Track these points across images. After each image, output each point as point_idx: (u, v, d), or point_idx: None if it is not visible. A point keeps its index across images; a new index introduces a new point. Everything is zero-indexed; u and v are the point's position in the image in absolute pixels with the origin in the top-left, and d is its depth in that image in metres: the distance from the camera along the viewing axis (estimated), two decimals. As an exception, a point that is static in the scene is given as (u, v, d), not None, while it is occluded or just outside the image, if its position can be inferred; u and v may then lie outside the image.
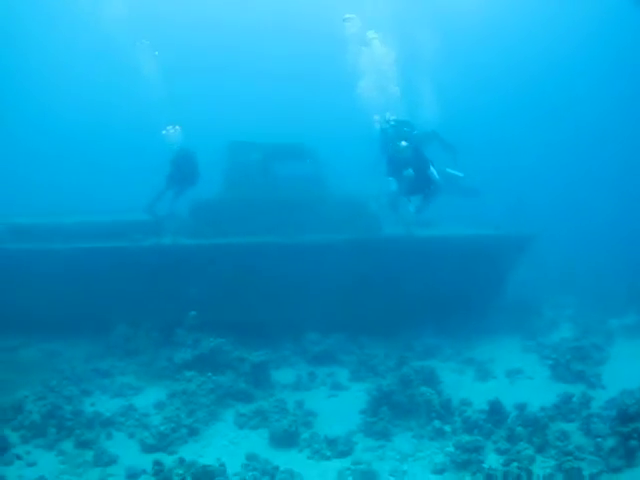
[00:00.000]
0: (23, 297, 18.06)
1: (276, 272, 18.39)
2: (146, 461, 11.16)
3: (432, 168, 18.94)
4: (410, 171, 18.67)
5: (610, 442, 11.39)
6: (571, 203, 40.21)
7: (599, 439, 11.68)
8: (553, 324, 21.81)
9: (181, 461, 10.03)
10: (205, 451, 11.92)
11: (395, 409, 13.33)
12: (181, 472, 9.47)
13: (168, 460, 10.56)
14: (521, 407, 13.03)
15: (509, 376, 16.76)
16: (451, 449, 11.66)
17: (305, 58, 45.75)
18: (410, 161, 18.75)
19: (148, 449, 12.08)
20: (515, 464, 10.45)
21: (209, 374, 15.19)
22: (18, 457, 11.64)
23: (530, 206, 32.31)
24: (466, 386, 15.85)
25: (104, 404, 14.18)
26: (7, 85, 48.07)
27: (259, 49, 48.85)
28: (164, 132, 20.79)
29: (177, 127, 20.84)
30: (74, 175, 44.18)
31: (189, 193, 21.05)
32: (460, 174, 20.14)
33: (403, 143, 18.60)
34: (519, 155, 45.40)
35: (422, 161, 18.82)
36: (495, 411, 12.77)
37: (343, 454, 11.92)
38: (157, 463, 10.04)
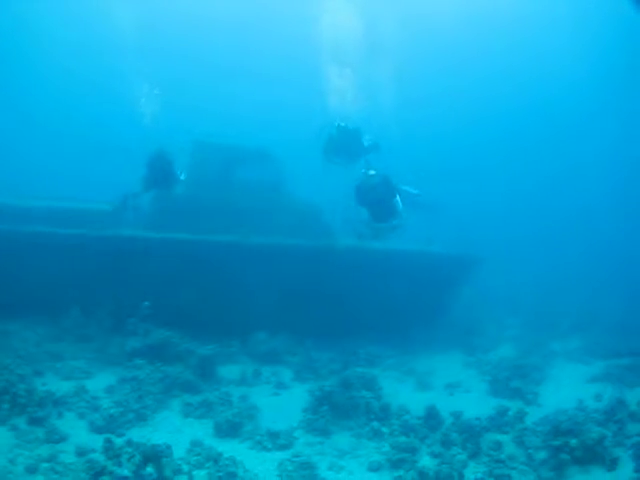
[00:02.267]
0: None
1: (228, 270, 18.82)
2: (95, 441, 11.49)
3: (397, 197, 19.31)
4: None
5: (542, 454, 11.98)
6: (526, 226, 40.99)
7: (531, 451, 12.21)
8: (495, 343, 22.48)
9: (130, 442, 10.40)
10: (152, 436, 12.17)
11: (335, 409, 13.79)
12: (130, 450, 9.87)
13: (117, 441, 10.92)
14: (457, 415, 13.53)
15: (448, 388, 17.30)
16: (387, 449, 12.19)
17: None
18: (378, 189, 19.12)
19: (97, 430, 12.44)
20: (447, 466, 10.96)
21: (158, 364, 15.60)
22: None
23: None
24: (405, 394, 16.24)
25: (55, 385, 14.43)
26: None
27: (234, 46, 48.99)
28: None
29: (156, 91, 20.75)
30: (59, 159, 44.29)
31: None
32: (415, 191, 20.52)
33: (371, 172, 19.02)
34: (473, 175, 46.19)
35: (389, 190, 19.20)
36: (431, 417, 13.31)
37: (284, 447, 12.37)
38: (107, 441, 10.41)
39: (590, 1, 41.13)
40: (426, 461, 11.49)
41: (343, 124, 20.80)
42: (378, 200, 19.11)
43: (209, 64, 50.67)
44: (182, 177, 20.77)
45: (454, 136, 49.27)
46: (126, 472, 9.39)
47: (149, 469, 9.54)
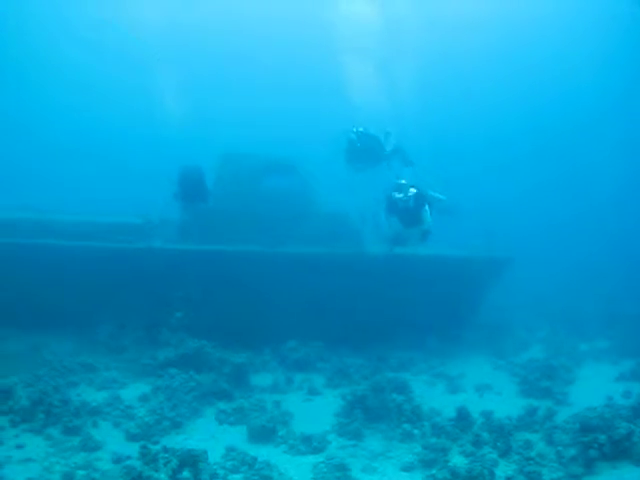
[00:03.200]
0: (9, 291, 18.49)
1: (260, 280, 18.99)
2: (131, 448, 11.63)
3: (427, 207, 19.37)
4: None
5: (571, 451, 12.02)
6: (551, 229, 40.93)
7: (560, 448, 12.27)
8: (525, 345, 22.54)
9: (166, 448, 10.54)
10: (187, 443, 12.33)
11: (368, 413, 13.94)
12: (167, 455, 10.00)
13: (153, 447, 11.05)
14: (487, 415, 13.70)
15: (478, 390, 17.36)
16: (419, 449, 12.31)
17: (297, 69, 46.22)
18: (409, 197, 19.13)
19: (132, 438, 12.60)
20: (479, 464, 11.03)
21: (192, 373, 15.74)
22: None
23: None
24: (436, 397, 16.39)
25: (89, 395, 14.68)
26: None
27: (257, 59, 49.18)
28: None
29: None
30: (84, 173, 44.60)
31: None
32: (442, 197, 20.56)
33: (403, 181, 19.11)
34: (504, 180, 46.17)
35: (419, 199, 19.24)
36: (462, 417, 13.39)
37: (317, 450, 12.51)
38: (144, 447, 10.53)
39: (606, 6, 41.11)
40: (458, 460, 11.56)
41: (362, 129, 20.82)
42: (408, 209, 19.15)
43: (229, 73, 50.83)
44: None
45: (470, 139, 49.28)
46: (163, 476, 9.53)
47: (185, 473, 9.67)
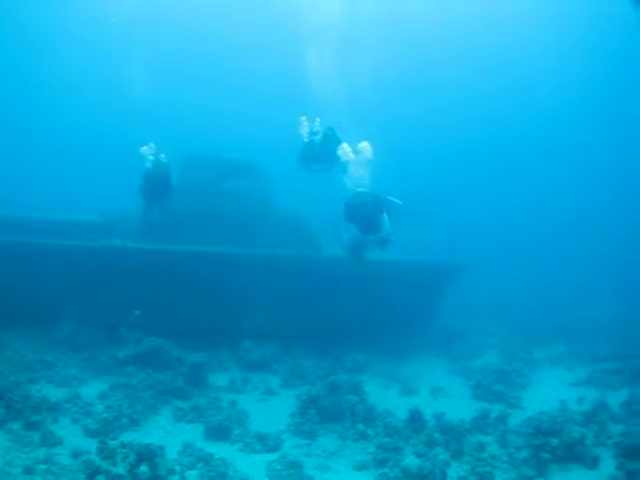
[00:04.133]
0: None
1: (218, 281, 19.14)
2: (90, 444, 11.85)
3: (385, 214, 19.08)
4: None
5: (523, 453, 12.42)
6: (507, 235, 41.39)
7: (513, 450, 12.66)
8: (479, 350, 22.88)
9: (124, 443, 10.75)
10: (144, 439, 12.27)
11: (322, 413, 14.27)
12: (125, 450, 10.24)
13: (111, 442, 11.25)
14: (439, 416, 13.97)
15: (432, 393, 17.72)
16: (372, 449, 12.62)
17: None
18: (366, 204, 18.78)
19: (91, 434, 12.83)
20: (430, 463, 11.34)
21: (149, 371, 16.00)
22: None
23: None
24: (391, 399, 16.70)
25: (49, 392, 14.69)
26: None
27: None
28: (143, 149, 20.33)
29: (152, 145, 20.29)
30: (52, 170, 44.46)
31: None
32: (399, 202, 20.59)
33: (360, 189, 18.72)
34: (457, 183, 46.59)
35: (377, 206, 19.19)
36: (415, 419, 13.74)
37: (272, 449, 12.84)
38: (102, 442, 10.78)
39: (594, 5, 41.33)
40: (410, 460, 11.82)
41: (321, 129, 20.42)
42: (366, 216, 18.86)
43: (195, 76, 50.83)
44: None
45: (438, 140, 49.64)
46: (121, 470, 9.79)
47: (143, 468, 9.93)
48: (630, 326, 24.13)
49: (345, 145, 19.01)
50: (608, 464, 12.05)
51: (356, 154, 18.93)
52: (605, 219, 42.08)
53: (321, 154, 20.08)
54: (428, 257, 22.24)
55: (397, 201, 19.82)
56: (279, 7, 42.39)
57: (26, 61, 49.89)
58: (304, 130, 20.23)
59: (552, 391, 18.08)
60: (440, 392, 17.83)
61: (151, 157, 20.10)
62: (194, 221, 20.17)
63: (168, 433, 13.51)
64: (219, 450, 12.42)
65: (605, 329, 24.53)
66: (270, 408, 15.91)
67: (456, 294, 23.90)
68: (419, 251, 22.23)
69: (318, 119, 20.47)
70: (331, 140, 19.99)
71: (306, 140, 20.14)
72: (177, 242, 19.70)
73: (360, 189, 18.42)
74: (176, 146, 20.88)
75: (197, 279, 19.32)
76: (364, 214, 18.51)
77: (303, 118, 20.41)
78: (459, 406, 16.22)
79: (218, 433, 13.38)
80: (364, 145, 18.80)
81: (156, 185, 20.06)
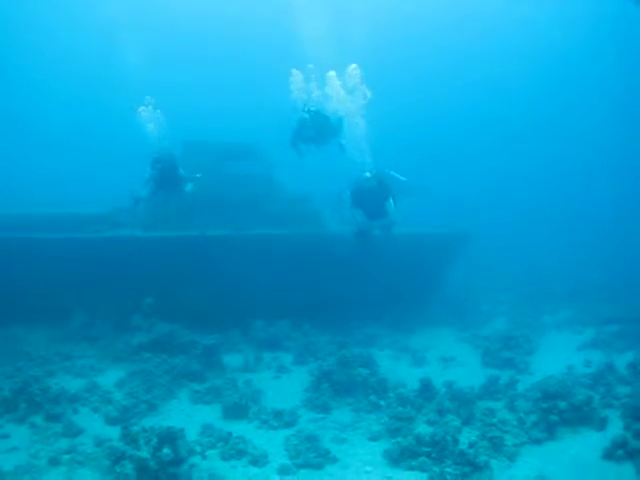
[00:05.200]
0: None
1: (227, 263, 19.40)
2: (112, 431, 12.27)
3: (390, 200, 18.98)
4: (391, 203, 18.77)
5: (532, 417, 12.73)
6: (515, 204, 41.60)
7: (522, 415, 12.95)
8: (488, 318, 23.24)
9: (144, 428, 11.04)
10: (164, 423, 12.42)
11: (335, 387, 14.63)
12: (147, 434, 10.55)
13: (133, 428, 11.52)
14: (449, 384, 14.27)
15: (442, 362, 18.05)
16: (385, 419, 12.92)
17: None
18: (372, 190, 18.82)
19: (112, 421, 13.19)
20: (442, 430, 11.66)
21: (164, 356, 16.33)
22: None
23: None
24: (401, 370, 17.06)
25: (68, 383, 15.03)
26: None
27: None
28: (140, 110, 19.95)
29: (149, 107, 19.81)
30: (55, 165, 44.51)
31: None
32: (402, 178, 20.54)
33: (367, 174, 18.56)
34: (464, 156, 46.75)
35: (383, 191, 18.96)
36: (426, 388, 14.02)
37: (288, 424, 13.19)
38: (124, 428, 11.07)
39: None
40: (422, 429, 12.13)
41: (314, 109, 20.03)
42: (372, 202, 18.91)
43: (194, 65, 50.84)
44: (198, 175, 20.26)
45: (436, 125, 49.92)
46: (145, 454, 10.09)
47: (166, 450, 10.23)
48: (635, 289, 24.37)
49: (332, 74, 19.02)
50: (616, 425, 12.31)
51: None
52: (612, 182, 42.39)
53: (314, 134, 20.03)
54: (433, 228, 22.40)
55: (399, 176, 19.87)
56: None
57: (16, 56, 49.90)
58: (296, 86, 20.18)
59: (560, 355, 18.36)
60: (450, 361, 18.14)
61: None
62: (198, 206, 20.36)
63: (187, 415, 13.82)
64: (237, 429, 12.78)
65: (610, 292, 24.80)
66: (284, 385, 16.19)
67: (463, 264, 24.12)
68: (423, 224, 22.36)
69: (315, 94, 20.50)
70: (325, 121, 19.94)
71: (301, 119, 20.07)
72: (183, 228, 19.93)
73: (367, 174, 18.50)
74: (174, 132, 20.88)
75: (205, 263, 19.58)
76: (371, 200, 18.60)
77: (295, 71, 20.38)
78: (469, 374, 16.51)
79: (235, 412, 13.71)
80: (353, 67, 18.88)
81: (165, 175, 19.97)
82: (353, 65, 18.62)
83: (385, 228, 19.14)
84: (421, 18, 45.82)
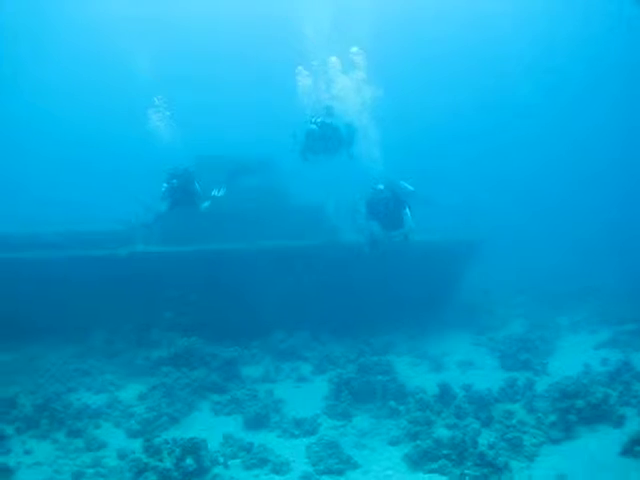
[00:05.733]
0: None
1: (244, 276, 19.56)
2: (134, 445, 12.36)
3: (407, 209, 19.19)
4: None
5: (551, 417, 12.81)
6: (529, 208, 41.60)
7: (540, 415, 13.01)
8: (504, 321, 23.18)
9: (167, 440, 11.17)
10: (186, 435, 12.52)
11: (354, 394, 14.76)
12: (169, 446, 10.69)
13: (156, 440, 11.66)
14: (467, 387, 14.41)
15: (460, 367, 18.12)
16: (405, 424, 13.02)
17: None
18: (388, 202, 19.03)
19: (134, 434, 13.32)
20: (461, 432, 11.75)
21: (184, 369, 16.43)
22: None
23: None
24: (420, 376, 17.15)
25: (89, 399, 15.26)
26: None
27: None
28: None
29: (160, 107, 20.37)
30: (65, 181, 44.62)
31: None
32: (411, 187, 20.51)
33: (380, 186, 18.87)
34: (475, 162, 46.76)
35: (398, 202, 19.13)
36: (445, 393, 14.13)
37: (309, 433, 13.33)
38: (147, 440, 11.20)
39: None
40: (442, 432, 12.24)
41: (321, 119, 20.14)
42: (388, 213, 19.08)
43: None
44: (218, 194, 20.35)
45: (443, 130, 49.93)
46: (168, 465, 10.22)
47: (189, 461, 10.37)
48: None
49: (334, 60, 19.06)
50: (634, 422, 12.42)
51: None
52: (624, 183, 42.40)
53: (323, 143, 20.04)
54: (447, 235, 22.43)
55: (408, 186, 19.90)
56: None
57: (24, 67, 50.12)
58: (302, 82, 20.18)
59: (577, 355, 18.43)
60: (468, 365, 18.21)
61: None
62: (214, 220, 20.49)
63: (208, 427, 13.91)
64: (259, 438, 12.90)
65: (625, 292, 24.82)
66: (304, 394, 16.29)
67: (478, 268, 24.15)
68: (435, 231, 22.40)
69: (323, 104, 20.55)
70: (333, 130, 19.96)
71: (310, 130, 20.09)
72: (199, 242, 20.07)
73: (380, 186, 18.52)
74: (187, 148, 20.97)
75: (222, 276, 19.69)
76: (386, 211, 18.63)
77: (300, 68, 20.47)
78: (487, 377, 16.55)
79: (256, 422, 13.84)
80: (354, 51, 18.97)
81: (181, 190, 20.03)
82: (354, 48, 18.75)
83: (402, 237, 19.19)
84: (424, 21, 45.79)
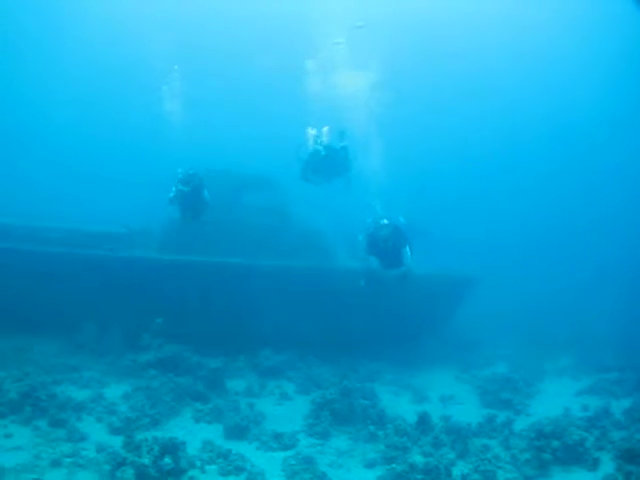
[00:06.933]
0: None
1: (237, 291, 19.94)
2: (114, 441, 12.47)
3: (407, 248, 19.49)
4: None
5: (526, 455, 12.94)
6: (517, 251, 41.72)
7: (516, 452, 13.15)
8: (490, 360, 23.36)
9: (147, 438, 11.32)
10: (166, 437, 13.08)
11: (335, 415, 14.90)
12: (149, 443, 10.85)
13: (137, 436, 11.81)
14: (446, 418, 14.57)
15: (442, 401, 18.23)
16: (382, 448, 13.19)
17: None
18: (388, 239, 19.26)
19: (115, 431, 13.44)
20: (436, 460, 11.91)
21: (170, 375, 16.61)
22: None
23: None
24: (402, 406, 17.20)
25: (73, 393, 15.35)
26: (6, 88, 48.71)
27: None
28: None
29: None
30: (71, 180, 44.76)
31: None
32: (402, 219, 20.53)
33: (384, 221, 19.08)
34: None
35: (399, 239, 19.42)
36: (423, 422, 14.27)
37: (287, 447, 13.42)
38: (128, 436, 11.37)
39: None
40: (417, 459, 12.35)
41: (326, 142, 20.57)
42: (388, 251, 19.37)
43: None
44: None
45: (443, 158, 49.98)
46: (146, 461, 10.38)
47: (167, 459, 10.53)
48: (636, 338, 24.58)
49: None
50: (608, 466, 12.45)
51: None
52: (611, 230, 42.53)
53: (327, 166, 20.15)
54: (440, 270, 22.64)
55: (402, 219, 19.96)
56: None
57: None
58: (310, 138, 20.34)
59: (558, 399, 18.53)
60: (450, 400, 18.32)
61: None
62: (213, 233, 20.69)
63: (188, 432, 14.01)
64: (237, 447, 12.96)
65: (613, 340, 25.01)
66: (285, 411, 16.43)
67: (467, 305, 24.33)
68: (429, 265, 22.59)
69: (326, 128, 20.75)
70: (338, 153, 20.09)
71: (311, 150, 20.39)
72: (197, 254, 20.30)
73: (384, 220, 18.58)
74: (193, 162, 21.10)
75: (216, 289, 19.92)
76: (386, 248, 18.72)
77: (311, 129, 20.75)
78: (468, 412, 16.67)
79: (236, 432, 13.97)
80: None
81: (189, 199, 20.19)
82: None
83: (400, 278, 19.28)
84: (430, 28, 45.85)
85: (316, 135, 20.21)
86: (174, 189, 20.13)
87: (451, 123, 49.92)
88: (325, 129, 20.60)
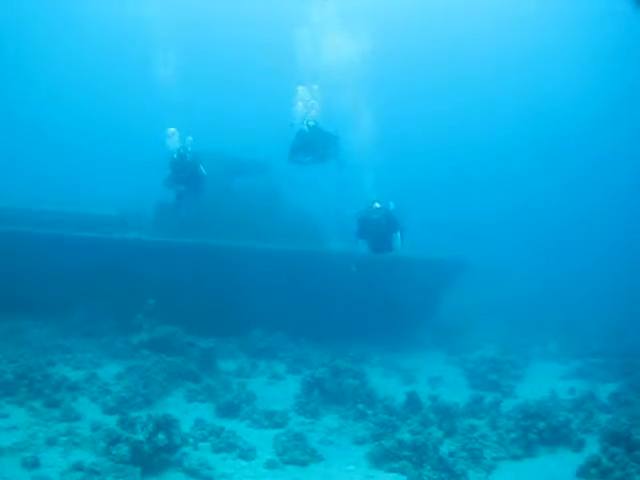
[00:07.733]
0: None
1: (229, 272, 20.06)
2: (109, 420, 12.74)
3: (397, 234, 19.23)
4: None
5: (512, 435, 13.19)
6: (512, 237, 41.83)
7: (502, 432, 13.43)
8: (478, 343, 23.54)
9: (141, 415, 11.52)
10: None
11: (325, 394, 15.18)
12: (144, 420, 11.07)
13: (131, 414, 12.01)
14: (434, 398, 14.79)
15: (431, 382, 18.48)
16: (371, 426, 13.45)
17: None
18: (380, 222, 19.00)
19: (109, 411, 13.65)
20: (423, 437, 12.14)
21: (162, 355, 16.80)
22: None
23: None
24: (391, 387, 17.45)
25: (68, 374, 15.39)
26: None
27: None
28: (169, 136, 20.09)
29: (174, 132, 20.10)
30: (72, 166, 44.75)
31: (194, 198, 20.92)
32: (392, 206, 20.55)
33: (376, 205, 18.86)
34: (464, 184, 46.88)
35: (390, 224, 19.14)
36: (412, 401, 14.54)
37: (278, 425, 13.70)
38: (123, 414, 11.59)
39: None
40: (406, 437, 12.59)
41: (313, 123, 20.25)
42: (378, 235, 19.14)
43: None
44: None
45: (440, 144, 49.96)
46: (141, 437, 10.60)
47: (161, 436, 10.74)
48: (624, 325, 24.84)
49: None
50: (593, 448, 12.61)
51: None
52: (604, 219, 42.63)
53: (313, 147, 20.19)
54: (429, 253, 22.77)
55: (391, 205, 19.98)
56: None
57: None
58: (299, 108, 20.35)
59: (545, 382, 18.84)
60: (438, 381, 18.57)
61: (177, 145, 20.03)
62: (206, 216, 20.85)
63: (181, 411, 14.23)
64: (229, 425, 13.20)
65: (602, 325, 25.26)
66: (277, 390, 16.73)
67: (458, 290, 24.52)
68: (420, 249, 22.68)
69: (316, 86, 20.75)
70: (324, 135, 20.12)
71: (300, 131, 20.27)
72: (189, 235, 20.46)
73: (376, 204, 18.71)
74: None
75: (209, 270, 20.09)
76: (377, 232, 18.84)
77: (301, 88, 20.58)
78: (456, 393, 16.83)
79: (228, 411, 14.25)
80: None
81: (186, 174, 20.21)
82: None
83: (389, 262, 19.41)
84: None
85: (302, 117, 20.14)
86: (168, 171, 20.22)
87: (438, 109, 49.83)
88: (315, 87, 20.49)
